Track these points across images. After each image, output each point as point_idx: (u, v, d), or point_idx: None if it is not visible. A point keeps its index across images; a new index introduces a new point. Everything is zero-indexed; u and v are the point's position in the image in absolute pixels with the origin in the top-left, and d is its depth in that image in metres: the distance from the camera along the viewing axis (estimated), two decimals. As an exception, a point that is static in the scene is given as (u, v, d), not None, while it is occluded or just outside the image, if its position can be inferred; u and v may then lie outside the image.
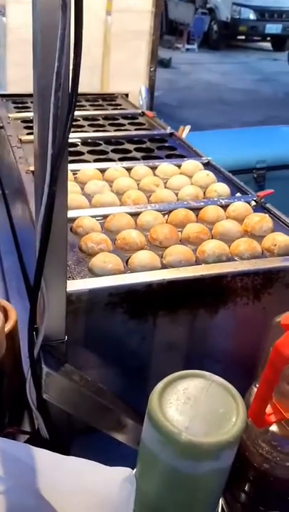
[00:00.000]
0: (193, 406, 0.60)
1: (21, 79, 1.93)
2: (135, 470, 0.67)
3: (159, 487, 0.63)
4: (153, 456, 0.59)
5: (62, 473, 0.69)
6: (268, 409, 0.73)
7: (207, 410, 0.60)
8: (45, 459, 0.69)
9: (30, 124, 1.63)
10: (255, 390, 0.79)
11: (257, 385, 0.78)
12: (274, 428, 0.74)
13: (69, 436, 0.90)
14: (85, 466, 0.69)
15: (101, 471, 0.68)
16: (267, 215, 1.17)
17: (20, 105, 1.93)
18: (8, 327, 0.92)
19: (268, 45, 12.68)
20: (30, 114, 1.75)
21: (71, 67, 0.63)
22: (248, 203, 1.24)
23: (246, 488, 0.80)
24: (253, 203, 1.25)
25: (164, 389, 0.62)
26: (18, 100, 1.98)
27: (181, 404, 0.60)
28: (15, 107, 1.91)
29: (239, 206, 1.21)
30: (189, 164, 1.44)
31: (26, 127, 1.67)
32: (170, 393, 0.61)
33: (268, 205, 1.24)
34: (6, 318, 0.95)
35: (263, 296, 1.00)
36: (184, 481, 0.59)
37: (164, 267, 0.99)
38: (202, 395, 0.62)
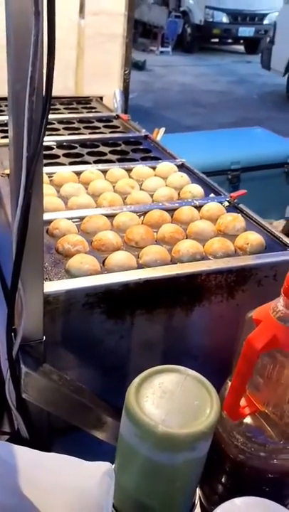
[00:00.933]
0: (169, 400, 0.62)
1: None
2: (114, 464, 0.69)
3: (138, 479, 0.64)
4: (131, 449, 0.61)
5: (41, 470, 0.70)
6: (242, 402, 0.76)
7: (182, 403, 0.62)
8: (24, 456, 0.70)
9: (5, 128, 1.63)
10: (230, 384, 0.82)
11: (231, 379, 0.80)
12: (248, 420, 0.77)
13: (49, 436, 0.91)
14: (64, 462, 0.70)
15: (80, 466, 0.69)
16: (239, 214, 1.20)
17: (-4, 109, 1.93)
18: (-14, 329, 0.93)
19: (241, 47, 12.84)
20: (4, 118, 1.75)
21: (45, 71, 0.65)
22: (222, 203, 1.27)
23: (223, 479, 0.82)
24: (226, 204, 1.27)
25: (141, 384, 0.63)
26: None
27: (157, 398, 0.62)
28: (-9, 111, 1.91)
29: (213, 206, 1.24)
30: (164, 166, 1.47)
31: (1, 131, 1.67)
32: (146, 388, 0.63)
33: (241, 206, 1.27)
34: (-16, 320, 0.95)
35: (236, 294, 1.02)
36: (161, 471, 0.61)
37: (140, 266, 1.01)
38: (177, 389, 0.64)
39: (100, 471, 0.69)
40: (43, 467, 0.70)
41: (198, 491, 0.85)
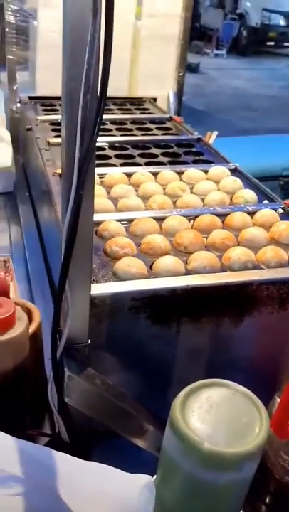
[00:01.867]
0: (215, 415, 0.59)
1: (50, 82, 1.95)
2: (155, 477, 0.66)
3: (179, 495, 0.62)
4: (174, 464, 0.59)
5: (81, 478, 0.68)
6: (292, 420, 0.72)
7: (230, 420, 0.59)
8: (65, 463, 0.69)
9: (58, 127, 1.65)
10: (278, 400, 0.78)
11: (280, 396, 0.76)
12: (297, 440, 0.73)
13: (89, 441, 0.89)
14: (104, 472, 0.68)
15: (121, 477, 0.67)
16: (294, 222, 1.15)
17: (48, 108, 1.95)
18: (32, 328, 0.92)
19: (297, 51, 12.57)
20: (58, 117, 1.76)
21: (100, 69, 0.63)
22: (275, 210, 1.22)
23: (267, 500, 0.79)
24: (281, 211, 1.23)
25: (187, 397, 0.61)
26: (47, 103, 2.00)
27: (203, 413, 0.59)
28: (43, 110, 1.93)
29: (266, 213, 1.19)
30: (216, 170, 1.43)
31: (54, 130, 1.68)
32: (193, 401, 0.60)
33: (296, 213, 1.22)
34: (30, 319, 0.95)
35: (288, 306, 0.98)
36: (204, 490, 0.58)
37: (188, 272, 0.98)
38: (225, 405, 0.61)
39: (140, 483, 0.67)
40: (82, 475, 0.68)
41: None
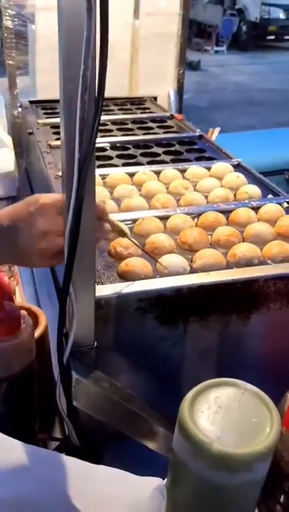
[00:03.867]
0: (225, 415, 0.58)
1: (50, 85, 1.94)
2: (166, 480, 0.66)
3: (190, 498, 0.61)
4: (184, 466, 0.58)
5: (92, 481, 0.68)
6: (304, 417, 0.71)
7: (239, 420, 0.58)
8: (75, 467, 0.68)
9: (59, 130, 1.64)
10: (289, 397, 0.77)
11: (292, 393, 0.75)
12: (310, 438, 0.72)
13: (99, 444, 0.89)
14: (115, 476, 0.68)
15: (131, 480, 0.67)
16: (300, 216, 1.13)
17: (49, 111, 1.95)
18: (38, 332, 0.92)
19: (298, 44, 12.51)
20: (59, 120, 1.76)
21: (97, 69, 0.62)
22: (280, 204, 1.21)
23: (282, 499, 0.77)
24: (286, 205, 1.21)
25: (195, 397, 0.60)
26: (48, 106, 2.00)
27: (212, 414, 0.58)
28: (44, 113, 1.93)
29: (271, 208, 1.18)
30: (219, 166, 1.42)
31: (55, 132, 1.68)
32: (201, 402, 0.59)
33: (301, 207, 1.20)
34: (36, 323, 0.95)
35: (297, 301, 0.97)
36: (215, 492, 0.57)
37: (193, 271, 0.97)
38: (234, 404, 0.60)
39: (151, 486, 0.66)
40: (92, 479, 0.68)
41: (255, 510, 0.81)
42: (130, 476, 0.67)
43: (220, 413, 0.58)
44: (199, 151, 1.62)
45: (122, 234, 0.93)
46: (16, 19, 2.21)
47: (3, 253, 0.80)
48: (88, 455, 0.76)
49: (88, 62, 0.62)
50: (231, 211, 1.18)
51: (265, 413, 0.59)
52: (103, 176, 1.35)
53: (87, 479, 0.68)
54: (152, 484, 0.66)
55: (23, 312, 0.83)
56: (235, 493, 0.58)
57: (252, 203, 1.23)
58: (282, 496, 0.77)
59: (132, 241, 0.96)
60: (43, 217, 0.76)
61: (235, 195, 1.29)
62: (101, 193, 1.25)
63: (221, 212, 1.16)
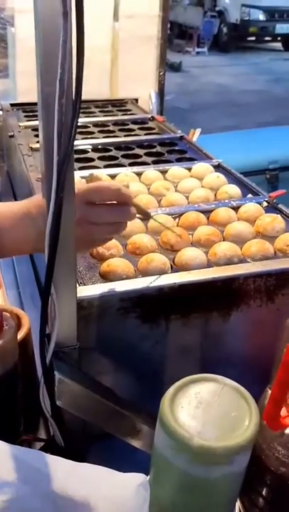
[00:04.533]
0: (205, 410, 0.59)
1: (31, 88, 1.93)
2: (149, 476, 0.67)
3: (173, 492, 0.62)
4: (166, 461, 0.59)
5: (76, 480, 0.69)
6: (283, 411, 0.72)
7: (219, 414, 0.59)
8: (59, 466, 0.69)
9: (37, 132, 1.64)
10: (269, 392, 0.78)
11: (271, 388, 0.76)
12: (290, 431, 0.73)
13: (84, 443, 0.89)
14: (99, 473, 0.68)
15: (115, 477, 0.67)
16: (279, 215, 1.15)
17: (30, 114, 1.95)
18: (21, 334, 0.92)
19: (278, 45, 12.65)
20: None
21: (74, 73, 0.63)
22: (260, 204, 1.23)
23: (264, 492, 0.79)
24: (265, 204, 1.24)
25: (176, 393, 0.61)
26: (28, 109, 2.00)
27: (192, 409, 0.59)
28: (25, 116, 1.93)
29: (250, 207, 1.20)
30: (200, 167, 1.44)
31: (36, 135, 1.68)
32: (181, 397, 0.61)
33: (280, 206, 1.22)
34: (19, 325, 0.95)
35: (276, 298, 0.98)
36: (198, 486, 0.59)
37: (175, 270, 0.98)
38: (214, 399, 0.61)
39: (134, 482, 0.67)
40: (77, 477, 0.68)
41: (237, 503, 0.82)
42: (114, 473, 0.68)
43: (200, 408, 0.60)
44: (180, 152, 1.64)
45: (146, 216, 0.98)
46: (-5, 22, 2.21)
47: (35, 242, 0.81)
48: (73, 454, 0.77)
49: (65, 65, 0.63)
50: (212, 211, 1.19)
51: (244, 407, 0.60)
52: (85, 178, 1.36)
53: (71, 477, 0.68)
54: (136, 480, 0.67)
55: (6, 314, 0.84)
56: (216, 486, 0.59)
57: (232, 202, 1.24)
58: (264, 489, 0.79)
59: (157, 221, 1.04)
60: None
61: (215, 195, 1.31)
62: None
63: (202, 212, 1.18)
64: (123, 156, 1.57)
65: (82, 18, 0.61)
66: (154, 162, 1.54)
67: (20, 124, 1.80)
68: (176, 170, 1.42)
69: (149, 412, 0.85)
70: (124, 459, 0.82)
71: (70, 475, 0.69)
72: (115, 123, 1.90)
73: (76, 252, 0.76)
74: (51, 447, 0.86)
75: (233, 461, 0.57)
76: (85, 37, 0.62)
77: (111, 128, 1.85)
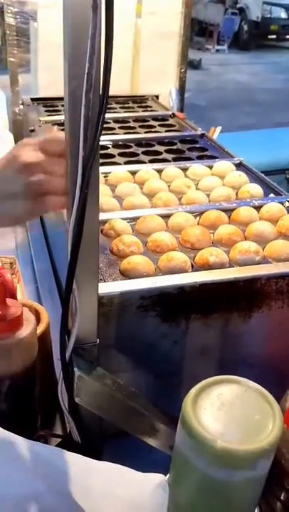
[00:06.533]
0: (227, 412, 0.58)
1: (52, 83, 1.95)
2: (168, 476, 0.66)
3: (193, 494, 0.61)
4: (187, 462, 0.58)
5: (94, 478, 0.68)
6: (305, 415, 0.71)
7: (242, 417, 0.58)
8: (77, 463, 0.69)
9: (61, 127, 1.64)
10: (291, 395, 0.77)
11: (293, 391, 0.75)
12: (311, 435, 0.72)
13: (101, 441, 0.89)
14: (117, 472, 0.68)
15: (133, 476, 0.67)
16: (302, 216, 1.14)
17: (50, 109, 1.95)
18: (40, 329, 0.92)
19: (300, 43, 12.49)
20: (60, 117, 1.76)
21: (102, 67, 0.63)
22: (282, 203, 1.21)
23: (282, 497, 0.78)
24: (287, 204, 1.22)
25: (198, 394, 0.60)
26: (49, 104, 2.00)
27: (215, 410, 0.58)
28: (46, 111, 1.93)
29: (273, 207, 1.18)
30: (221, 165, 1.42)
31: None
32: (204, 399, 0.60)
33: (303, 206, 1.21)
34: (38, 320, 0.95)
35: (298, 299, 0.97)
36: (218, 489, 0.58)
37: (195, 269, 0.97)
38: (237, 401, 0.60)
39: (153, 482, 0.66)
40: (95, 475, 0.68)
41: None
42: (133, 473, 0.68)
43: (223, 410, 0.59)
44: (201, 149, 1.62)
45: None
46: (18, 16, 2.21)
47: None
48: (89, 452, 0.76)
49: (93, 59, 0.62)
50: (233, 210, 1.18)
51: (267, 410, 0.59)
52: (105, 174, 1.35)
53: (90, 476, 0.68)
54: (155, 480, 0.66)
55: (25, 309, 0.84)
56: (237, 490, 0.58)
57: (254, 201, 1.23)
58: (282, 493, 0.77)
59: None
60: (23, 151, 0.76)
61: (237, 194, 1.29)
62: (103, 191, 1.25)
63: (223, 210, 1.17)
64: (143, 153, 1.56)
65: (111, 11, 0.60)
66: (175, 159, 1.53)
67: (41, 118, 1.80)
68: (197, 167, 1.41)
69: (168, 411, 0.84)
70: (139, 458, 0.81)
71: (88, 473, 0.69)
72: (136, 119, 1.89)
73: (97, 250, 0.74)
74: (68, 443, 0.86)
75: (255, 465, 0.56)
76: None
77: (132, 124, 1.84)
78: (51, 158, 0.76)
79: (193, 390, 0.60)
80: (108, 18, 0.61)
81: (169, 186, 1.31)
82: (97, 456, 0.76)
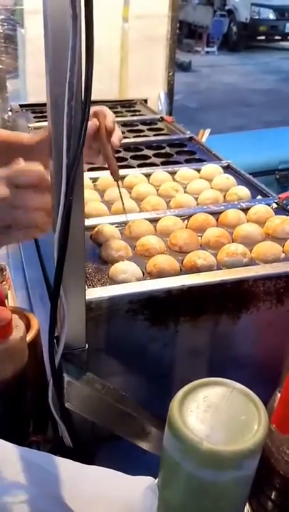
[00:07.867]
0: (214, 414, 0.59)
1: (40, 89, 1.95)
2: (157, 479, 0.67)
3: (182, 496, 0.62)
4: (174, 464, 0.59)
5: (85, 482, 0.69)
6: (293, 415, 0.72)
7: (228, 418, 0.59)
8: (68, 468, 0.69)
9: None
10: (279, 395, 0.78)
11: (281, 391, 0.76)
12: (299, 435, 0.73)
13: (93, 445, 0.89)
14: (107, 475, 0.69)
15: (123, 480, 0.68)
16: None
17: (39, 115, 1.95)
18: (30, 336, 0.92)
19: (288, 44, 12.56)
20: (46, 124, 1.76)
21: (83, 76, 0.63)
22: (270, 205, 1.22)
23: (272, 496, 0.78)
24: (275, 206, 1.23)
25: (185, 397, 0.61)
26: (38, 110, 2.00)
27: (201, 413, 0.59)
28: (34, 117, 1.94)
29: (260, 209, 1.19)
30: (209, 168, 1.43)
31: (45, 137, 1.68)
32: (190, 401, 0.60)
33: (290, 207, 1.22)
34: (28, 327, 0.95)
35: (286, 300, 0.98)
36: (206, 489, 0.58)
37: (184, 272, 0.98)
38: (223, 403, 0.61)
39: (142, 485, 0.67)
40: (85, 479, 0.69)
41: (246, 505, 0.82)
42: (122, 476, 0.68)
43: (209, 412, 0.59)
44: (189, 153, 1.63)
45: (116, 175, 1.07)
46: (5, 23, 2.22)
47: None
48: (81, 456, 0.77)
49: (74, 68, 0.63)
50: (221, 212, 1.19)
51: (253, 411, 0.60)
52: (94, 179, 1.36)
53: (80, 479, 0.69)
54: (144, 483, 0.67)
55: (15, 316, 0.84)
56: (225, 490, 0.58)
57: (241, 204, 1.24)
58: (273, 492, 0.78)
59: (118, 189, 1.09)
60: None
61: (224, 196, 1.30)
62: (91, 196, 1.26)
63: (211, 213, 1.18)
64: (132, 157, 1.57)
65: (91, 23, 0.61)
66: (163, 163, 1.54)
67: (30, 125, 1.81)
68: (185, 171, 1.42)
69: (158, 414, 0.85)
70: (132, 461, 0.82)
71: (78, 477, 0.69)
72: (124, 124, 1.90)
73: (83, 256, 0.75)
74: (60, 448, 0.87)
75: (241, 465, 0.57)
76: (94, 39, 0.62)
77: (120, 129, 1.85)
78: (18, 192, 0.75)
79: (179, 393, 0.61)
80: (88, 27, 0.61)
81: (157, 190, 1.32)
82: (89, 460, 0.77)
